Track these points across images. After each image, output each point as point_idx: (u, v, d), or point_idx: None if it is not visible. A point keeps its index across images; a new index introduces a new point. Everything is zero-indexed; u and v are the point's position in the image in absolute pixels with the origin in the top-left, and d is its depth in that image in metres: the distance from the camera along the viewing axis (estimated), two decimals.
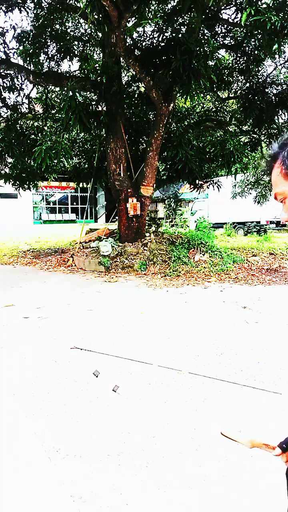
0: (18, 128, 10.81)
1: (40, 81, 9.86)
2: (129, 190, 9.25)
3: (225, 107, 12.07)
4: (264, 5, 5.55)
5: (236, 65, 9.96)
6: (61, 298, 6.04)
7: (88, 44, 10.57)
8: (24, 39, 8.96)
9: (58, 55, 9.89)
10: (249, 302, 5.76)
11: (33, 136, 10.71)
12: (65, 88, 8.26)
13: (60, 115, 10.18)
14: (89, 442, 2.33)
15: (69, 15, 9.63)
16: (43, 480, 2.01)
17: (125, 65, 9.39)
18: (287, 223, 0.91)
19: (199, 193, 12.37)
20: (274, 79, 10.56)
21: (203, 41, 7.56)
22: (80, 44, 10.44)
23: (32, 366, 3.44)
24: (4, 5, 8.94)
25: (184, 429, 2.44)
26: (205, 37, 7.96)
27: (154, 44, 8.86)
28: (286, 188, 0.91)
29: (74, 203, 34.32)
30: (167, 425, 2.49)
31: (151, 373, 3.23)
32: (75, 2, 8.95)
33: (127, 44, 8.10)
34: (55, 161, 8.65)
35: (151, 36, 9.47)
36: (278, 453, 1.05)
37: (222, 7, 8.31)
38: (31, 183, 12.19)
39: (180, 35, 7.50)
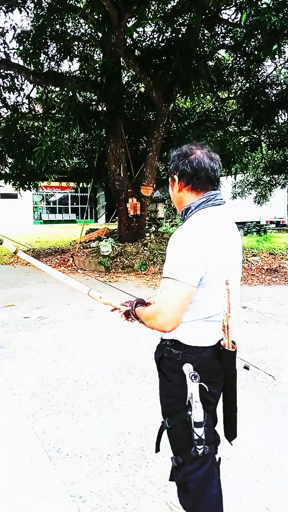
0: (18, 128, 10.80)
1: (40, 81, 9.85)
2: (129, 190, 9.25)
3: (225, 107, 12.06)
4: (264, 5, 5.54)
5: (236, 66, 9.95)
6: (61, 298, 6.04)
7: (88, 44, 10.55)
8: (24, 39, 8.94)
9: (58, 55, 9.87)
10: (249, 302, 5.77)
11: (33, 136, 10.70)
12: (65, 88, 8.25)
13: (60, 115, 10.17)
14: (89, 442, 2.33)
15: (69, 15, 9.60)
16: (43, 480, 2.01)
17: (125, 65, 9.37)
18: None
19: None
20: (274, 79, 10.56)
21: (203, 41, 7.56)
22: (80, 44, 10.42)
23: (32, 366, 3.44)
24: (4, 5, 8.93)
25: None
26: (205, 37, 7.96)
27: (154, 44, 8.85)
28: (170, 180, 1.48)
29: (74, 203, 34.29)
30: None
31: (151, 373, 3.23)
32: (75, 2, 8.93)
33: (127, 44, 8.09)
34: (55, 161, 8.65)
35: (151, 36, 9.46)
36: (123, 311, 1.61)
37: (222, 7, 8.29)
38: (31, 183, 12.18)
39: (180, 35, 7.50)
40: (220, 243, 1.33)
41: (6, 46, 9.74)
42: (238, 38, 9.22)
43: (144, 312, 1.44)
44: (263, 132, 11.16)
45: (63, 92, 9.14)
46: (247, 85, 10.38)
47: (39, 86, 11.01)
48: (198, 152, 1.40)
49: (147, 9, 7.08)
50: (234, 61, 10.02)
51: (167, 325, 1.29)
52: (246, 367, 1.65)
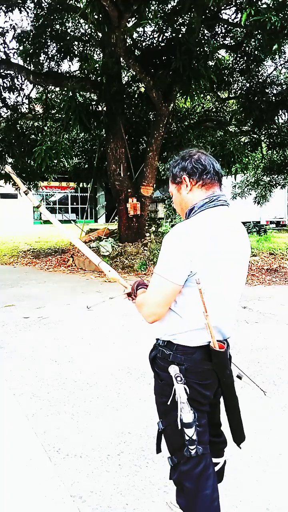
0: (18, 128, 10.79)
1: (40, 81, 9.84)
2: (129, 190, 9.24)
3: (225, 107, 12.06)
4: (264, 5, 5.54)
5: (236, 65, 9.95)
6: (61, 298, 6.04)
7: (88, 44, 10.54)
8: (24, 39, 8.94)
9: (58, 55, 9.86)
10: (249, 302, 5.77)
11: (33, 136, 10.69)
12: (65, 88, 8.25)
13: (60, 115, 10.18)
14: (89, 442, 2.33)
15: (69, 15, 9.60)
16: (43, 480, 2.01)
17: (125, 65, 9.37)
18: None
19: None
20: (274, 79, 10.56)
21: (203, 41, 7.56)
22: (80, 44, 10.41)
23: (32, 366, 3.44)
24: (4, 5, 8.92)
25: None
26: (205, 37, 7.97)
27: (154, 44, 8.85)
28: (171, 189, 1.52)
29: (74, 203, 34.31)
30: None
31: (151, 373, 3.23)
32: (75, 2, 8.93)
33: (127, 44, 8.10)
34: (55, 161, 8.63)
35: (151, 36, 9.47)
36: (126, 292, 1.67)
37: (222, 7, 8.29)
38: (31, 183, 12.18)
39: (180, 35, 7.50)
40: (216, 244, 1.32)
41: (6, 46, 9.74)
42: (238, 38, 9.22)
43: (136, 298, 1.54)
44: (263, 132, 11.16)
45: (63, 92, 9.14)
46: (247, 85, 10.38)
47: (39, 86, 11.01)
48: (201, 153, 1.48)
49: (147, 9, 7.08)
50: (234, 61, 10.02)
51: (149, 317, 1.38)
52: (239, 377, 1.64)
